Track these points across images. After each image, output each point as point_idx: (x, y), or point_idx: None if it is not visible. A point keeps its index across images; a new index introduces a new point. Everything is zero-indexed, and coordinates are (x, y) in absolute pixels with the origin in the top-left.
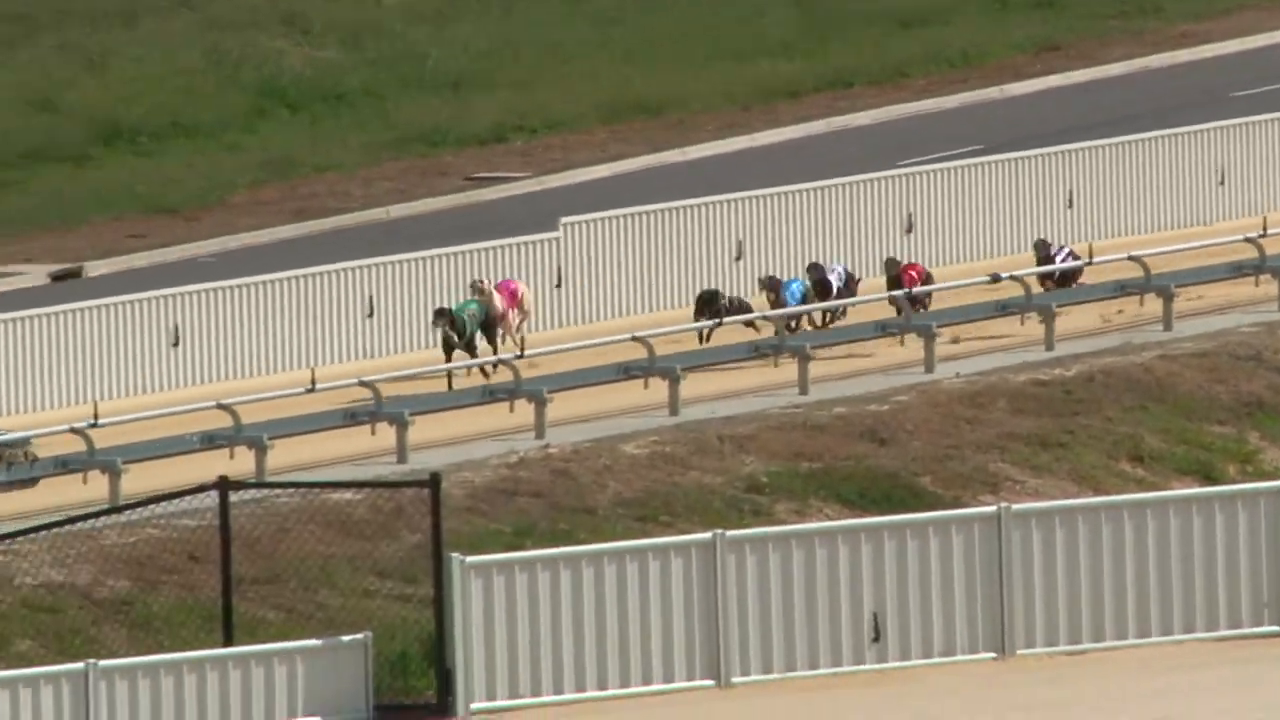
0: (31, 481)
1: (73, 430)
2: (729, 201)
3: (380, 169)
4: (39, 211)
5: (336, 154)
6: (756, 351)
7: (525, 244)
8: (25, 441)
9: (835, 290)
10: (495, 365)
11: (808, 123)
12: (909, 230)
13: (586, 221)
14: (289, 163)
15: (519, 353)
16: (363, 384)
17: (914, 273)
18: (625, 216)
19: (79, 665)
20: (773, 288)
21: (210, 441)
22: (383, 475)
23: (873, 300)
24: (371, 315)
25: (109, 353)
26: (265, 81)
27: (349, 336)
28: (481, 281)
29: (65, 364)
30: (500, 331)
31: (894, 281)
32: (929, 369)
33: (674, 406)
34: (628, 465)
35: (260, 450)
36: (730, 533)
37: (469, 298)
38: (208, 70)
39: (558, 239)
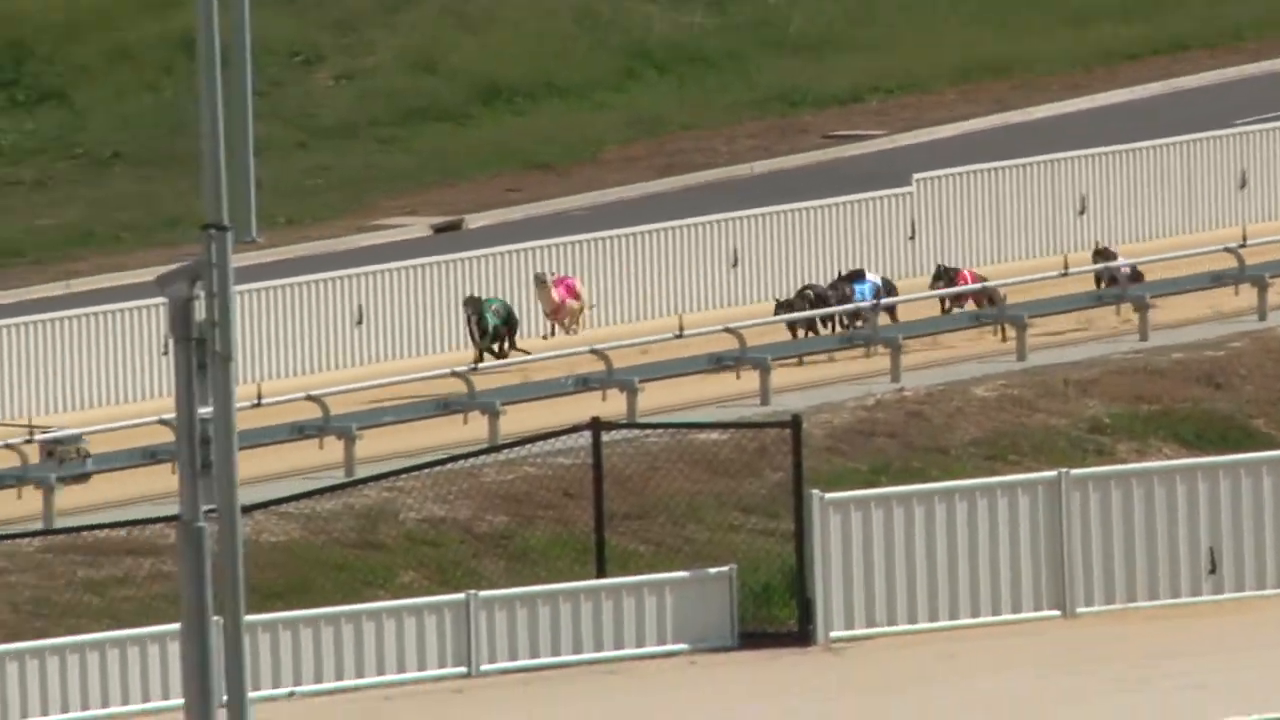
0: (84, 477)
1: (454, 374)
2: (1072, 159)
3: (743, 127)
4: (422, 168)
5: (701, 113)
6: (1100, 301)
7: (880, 198)
8: (76, 439)
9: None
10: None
11: (1145, 84)
12: (1242, 186)
13: (939, 177)
14: (656, 121)
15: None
16: (728, 330)
17: None
18: (975, 172)
19: (460, 596)
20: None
21: (584, 384)
22: (746, 417)
23: (1201, 253)
24: (736, 265)
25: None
26: (634, 44)
27: (714, 285)
28: (544, 274)
29: (443, 311)
30: (554, 325)
31: None
32: (1262, 317)
33: (1021, 353)
34: (978, 407)
35: (631, 393)
36: (1074, 471)
37: (491, 296)
38: (579, 33)
39: (911, 194)
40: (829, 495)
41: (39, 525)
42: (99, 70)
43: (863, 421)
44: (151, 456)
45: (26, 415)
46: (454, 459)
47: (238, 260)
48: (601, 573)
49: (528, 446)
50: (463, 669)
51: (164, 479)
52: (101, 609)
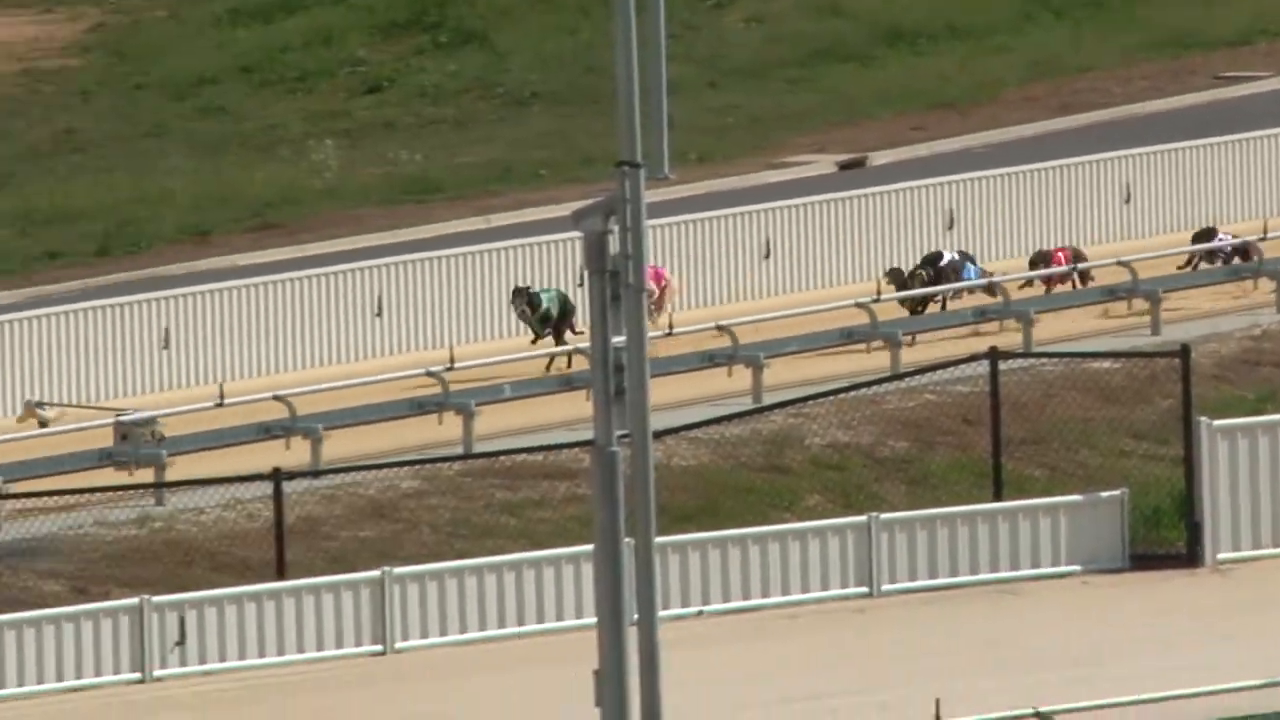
0: (156, 458)
1: (858, 305)
2: None
3: (1136, 69)
4: (827, 107)
5: (1096, 55)
6: None
7: (1269, 137)
8: (151, 421)
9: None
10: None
11: None
12: None
13: None
14: (1054, 63)
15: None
16: (1120, 264)
17: None
18: None
19: (862, 518)
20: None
21: (983, 316)
22: (1138, 346)
23: None
24: (1128, 201)
25: (894, 233)
26: None
27: (1108, 220)
28: None
29: (848, 245)
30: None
31: None
32: None
33: None
34: None
35: (1026, 324)
36: None
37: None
38: None
39: None
40: (1217, 422)
41: (459, 450)
42: (519, 13)
43: (1249, 351)
44: (567, 384)
45: (448, 345)
46: (857, 386)
47: (650, 196)
48: (998, 496)
49: (928, 375)
50: (864, 589)
51: (578, 406)
52: (518, 530)
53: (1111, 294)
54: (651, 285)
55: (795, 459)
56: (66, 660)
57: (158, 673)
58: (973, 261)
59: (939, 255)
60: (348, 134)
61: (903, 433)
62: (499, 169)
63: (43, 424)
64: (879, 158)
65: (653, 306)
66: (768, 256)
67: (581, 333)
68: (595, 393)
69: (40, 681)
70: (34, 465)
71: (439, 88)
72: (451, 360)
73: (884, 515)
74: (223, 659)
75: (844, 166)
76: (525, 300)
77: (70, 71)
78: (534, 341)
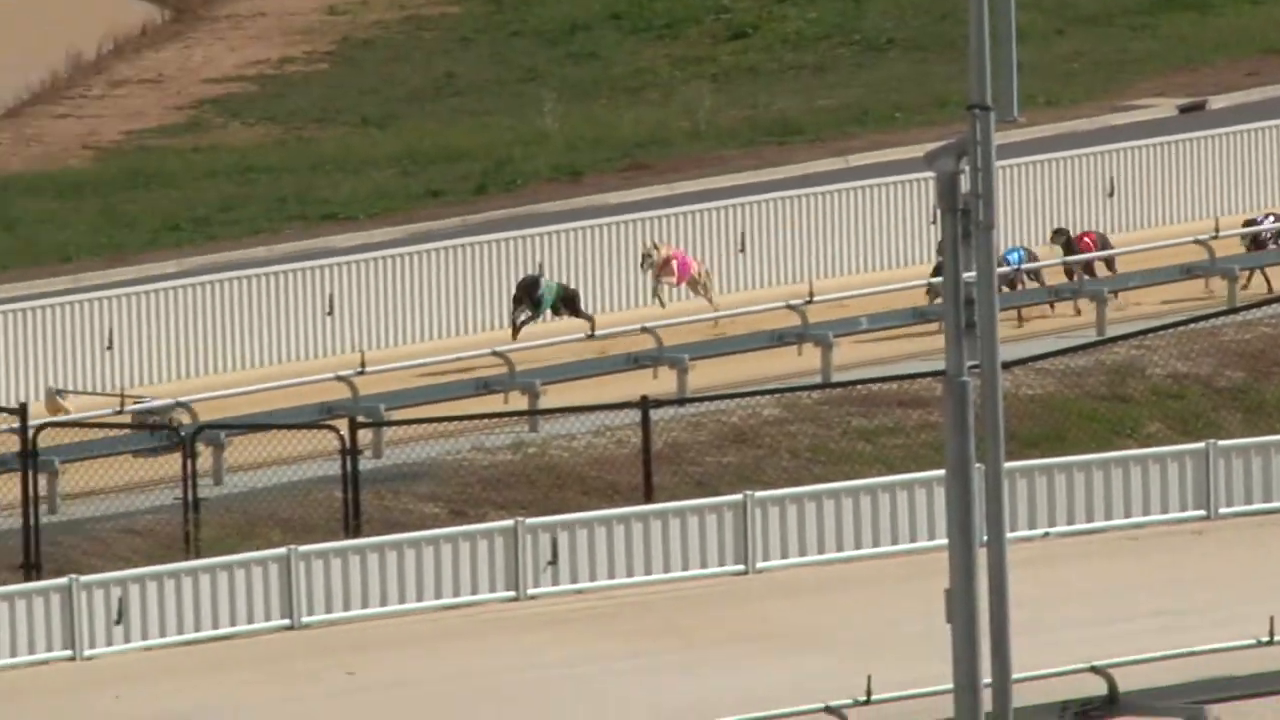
0: (174, 446)
1: (1197, 241)
2: None
3: None
4: (1169, 52)
5: None
6: None
7: None
8: (171, 408)
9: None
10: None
11: None
12: None
13: None
14: None
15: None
16: None
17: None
18: None
19: (1200, 445)
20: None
21: None
22: None
23: None
24: None
25: (1233, 174)
26: None
27: None
28: (654, 248)
29: (1190, 186)
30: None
31: None
32: None
33: None
34: None
35: None
36: None
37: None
38: None
39: None
40: None
41: (817, 379)
42: None
43: None
44: (920, 316)
45: (807, 279)
46: (1197, 319)
47: (999, 138)
48: None
49: (1264, 309)
50: (1202, 512)
51: (931, 340)
52: (873, 455)
53: None
54: (675, 268)
55: (1137, 388)
56: (445, 579)
57: (531, 591)
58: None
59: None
60: (713, 78)
61: (1239, 363)
62: (856, 112)
63: (56, 410)
64: (1217, 101)
65: (698, 289)
66: (1111, 195)
67: (590, 316)
68: (947, 325)
69: (419, 599)
70: (413, 394)
71: (799, 34)
72: (810, 294)
73: (1221, 442)
74: (592, 578)
75: (1184, 110)
76: (526, 294)
77: (451, 18)
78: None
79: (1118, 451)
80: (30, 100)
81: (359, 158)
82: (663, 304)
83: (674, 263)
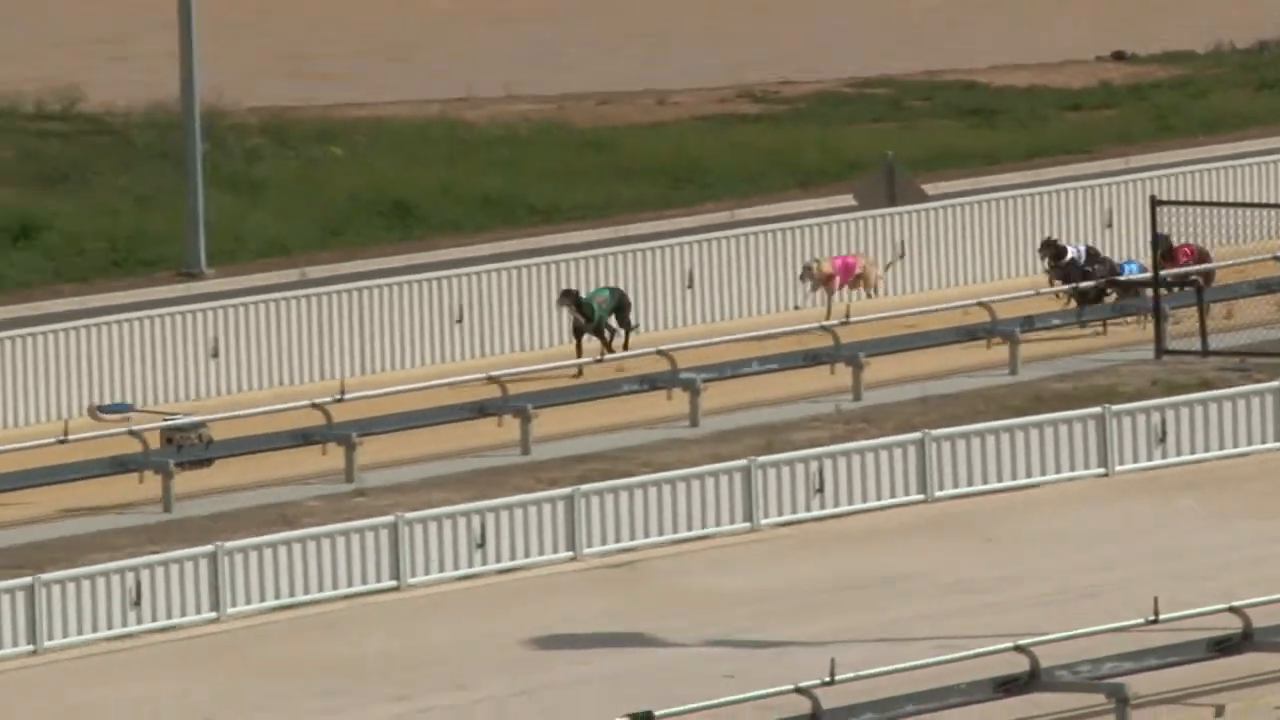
0: (206, 462)
1: None
2: None
3: None
4: None
5: None
6: None
7: None
8: (200, 425)
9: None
10: (608, 351)
11: None
12: None
13: None
14: None
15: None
16: None
17: None
18: None
19: None
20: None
21: None
22: None
23: None
24: None
25: None
26: None
27: None
28: (814, 264)
29: None
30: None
31: None
32: None
33: None
34: None
35: None
36: None
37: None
38: None
39: None
40: None
41: None
42: None
43: None
44: None
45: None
46: None
47: None
48: None
49: None
50: None
51: None
52: None
53: None
54: (830, 269)
55: None
56: None
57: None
58: None
59: None
60: None
61: None
62: None
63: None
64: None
65: (866, 290)
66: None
67: (636, 326)
68: None
69: None
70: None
71: None
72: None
73: None
74: None
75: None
76: (574, 304)
77: None
78: (578, 343)
79: None
80: None
81: None
82: (829, 313)
83: (836, 278)
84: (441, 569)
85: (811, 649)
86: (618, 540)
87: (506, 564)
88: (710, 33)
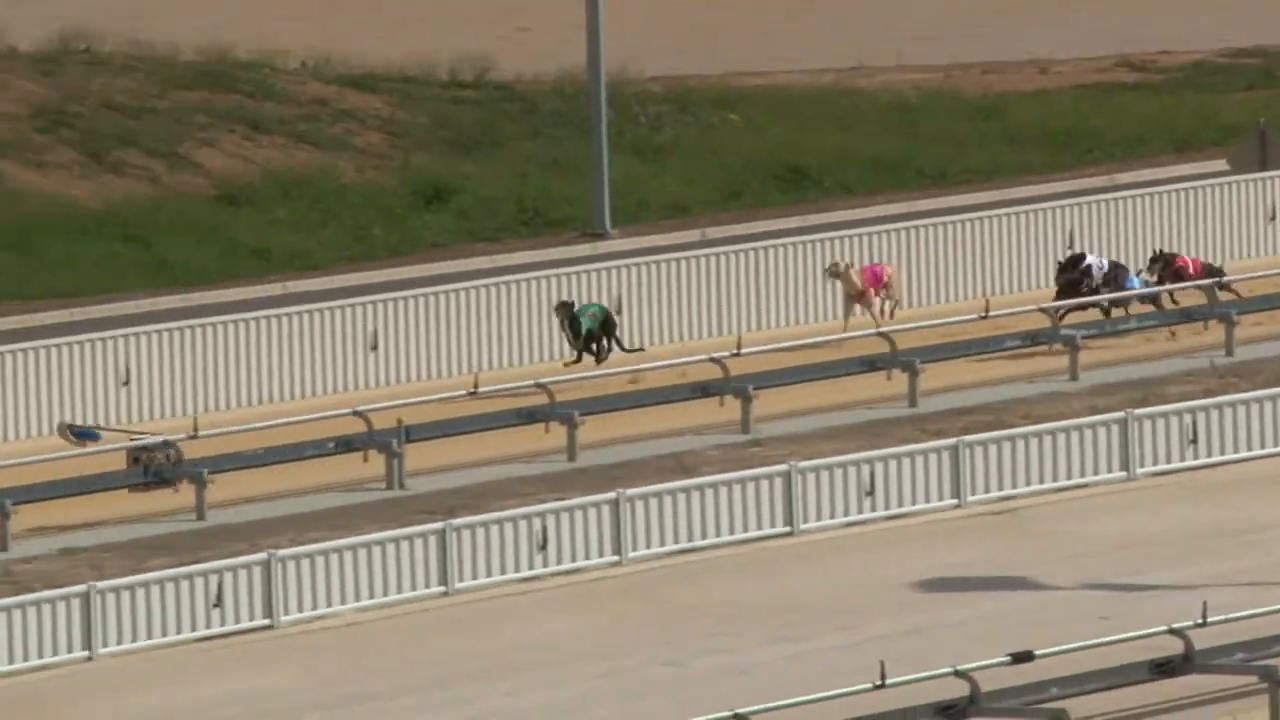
0: (170, 482)
1: None
2: None
3: None
4: None
5: None
6: None
7: None
8: (167, 445)
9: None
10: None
11: None
12: None
13: None
14: None
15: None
16: None
17: None
18: None
19: None
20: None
21: None
22: None
23: None
24: None
25: None
26: None
27: None
28: (839, 263)
29: None
30: (858, 308)
31: None
32: None
33: None
34: None
35: None
36: None
37: (590, 302)
38: None
39: None
40: None
41: None
42: None
43: None
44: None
45: None
46: None
47: None
48: None
49: None
50: None
51: None
52: None
53: None
54: (860, 283)
55: None
56: None
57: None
58: None
59: None
60: None
61: None
62: None
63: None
64: None
65: (874, 304)
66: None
67: (639, 348)
68: None
69: None
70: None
71: None
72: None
73: None
74: None
75: None
76: (567, 316)
77: None
78: (575, 360)
79: None
80: None
81: None
82: (846, 321)
83: (869, 290)
84: (832, 515)
85: (1183, 592)
86: (1000, 488)
87: (894, 510)
88: (1091, 4)
